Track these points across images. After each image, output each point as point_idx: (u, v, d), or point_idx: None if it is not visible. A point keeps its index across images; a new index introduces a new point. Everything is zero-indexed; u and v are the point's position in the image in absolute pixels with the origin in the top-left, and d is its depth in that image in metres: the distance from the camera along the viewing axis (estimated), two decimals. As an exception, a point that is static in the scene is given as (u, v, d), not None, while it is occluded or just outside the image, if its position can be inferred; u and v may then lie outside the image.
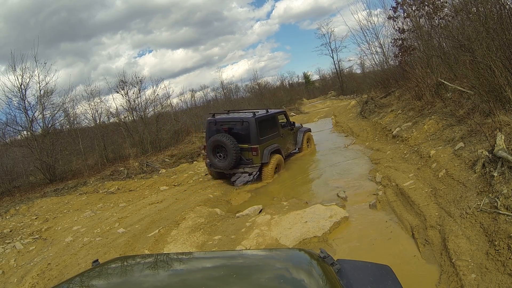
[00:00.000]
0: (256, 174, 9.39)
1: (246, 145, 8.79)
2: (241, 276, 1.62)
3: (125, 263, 2.06)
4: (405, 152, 7.14)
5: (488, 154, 4.29)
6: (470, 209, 4.05)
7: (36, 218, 9.71)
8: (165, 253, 2.48)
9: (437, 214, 4.49)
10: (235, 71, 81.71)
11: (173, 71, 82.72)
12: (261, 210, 6.72)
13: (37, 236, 8.35)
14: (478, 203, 4.02)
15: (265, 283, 1.55)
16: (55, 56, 57.51)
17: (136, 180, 12.57)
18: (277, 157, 9.28)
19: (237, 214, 6.88)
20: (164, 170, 13.70)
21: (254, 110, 9.84)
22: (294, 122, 11.32)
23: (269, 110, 10.08)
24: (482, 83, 5.92)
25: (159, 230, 6.65)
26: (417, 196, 5.06)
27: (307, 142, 11.71)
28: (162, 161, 15.83)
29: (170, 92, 30.50)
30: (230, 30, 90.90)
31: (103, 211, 9.41)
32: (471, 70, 6.00)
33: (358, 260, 2.01)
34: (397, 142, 8.16)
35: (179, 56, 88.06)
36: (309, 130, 12.05)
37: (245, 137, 8.81)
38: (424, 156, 6.12)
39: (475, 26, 7.13)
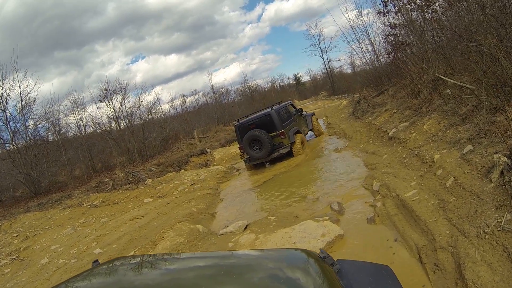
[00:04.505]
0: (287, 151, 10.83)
1: (274, 133, 10.63)
2: (241, 276, 1.61)
3: (125, 263, 2.04)
4: (404, 156, 6.40)
5: (507, 160, 3.58)
6: (488, 227, 3.34)
7: (17, 236, 9.60)
8: (165, 253, 2.44)
9: (448, 232, 3.77)
10: (227, 75, 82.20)
11: (166, 77, 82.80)
12: (246, 226, 6.02)
13: (14, 257, 8.21)
14: (499, 220, 3.31)
15: (265, 283, 1.53)
16: (49, 64, 57.18)
17: (121, 191, 12.36)
18: (300, 136, 11.16)
19: (220, 231, 6.24)
20: (150, 180, 13.42)
21: (268, 106, 11.94)
22: (301, 109, 13.52)
23: (281, 103, 12.49)
24: (487, 76, 5.26)
25: (134, 252, 6.16)
26: (422, 210, 4.32)
27: (317, 122, 14.21)
28: (149, 170, 15.55)
29: (159, 98, 30.05)
30: (222, 34, 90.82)
31: (84, 228, 9.14)
32: (476, 63, 5.32)
33: (358, 260, 1.99)
34: (394, 144, 7.42)
35: (172, 62, 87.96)
36: (314, 114, 14.56)
37: (271, 127, 10.68)
38: (427, 161, 5.37)
39: (475, 14, 6.53)
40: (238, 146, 11.85)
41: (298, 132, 11.29)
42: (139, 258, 2.20)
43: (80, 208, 11.36)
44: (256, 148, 10.68)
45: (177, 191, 10.97)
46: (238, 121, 11.78)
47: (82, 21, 65.17)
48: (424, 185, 4.85)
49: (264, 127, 10.67)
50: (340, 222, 5.25)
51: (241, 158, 12.00)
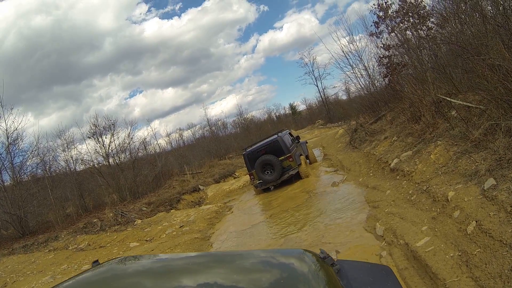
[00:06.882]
0: (295, 172, 11.68)
1: (283, 156, 11.52)
2: (242, 276, 1.59)
3: (125, 263, 2.04)
4: (410, 192, 5.46)
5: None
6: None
7: (-3, 281, 9.10)
8: (165, 254, 2.40)
9: (477, 298, 2.83)
10: (224, 107, 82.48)
11: (164, 110, 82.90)
12: None
13: (-11, 306, 7.78)
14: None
15: (265, 282, 1.51)
16: (48, 99, 57.55)
17: (109, 233, 11.89)
18: (303, 158, 12.45)
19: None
20: (139, 221, 12.86)
21: (272, 134, 13.07)
22: (298, 136, 14.61)
23: (283, 131, 13.41)
24: (500, 92, 4.45)
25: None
26: (440, 265, 3.37)
27: (310, 150, 15.36)
28: (139, 210, 14.84)
29: (155, 133, 29.61)
30: (218, 66, 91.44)
31: (63, 276, 8.62)
32: (486, 78, 4.51)
33: (358, 261, 2.12)
34: (398, 177, 6.48)
35: (169, 95, 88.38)
36: (307, 142, 15.85)
37: (279, 151, 11.59)
38: (439, 199, 4.41)
39: (475, 26, 5.84)
40: (248, 173, 12.66)
41: (301, 155, 12.46)
42: (139, 258, 2.19)
43: (65, 251, 10.84)
44: (268, 172, 11.57)
45: (164, 235, 10.36)
46: (245, 150, 12.65)
47: (80, 55, 65.75)
48: (438, 231, 3.90)
49: (273, 152, 11.58)
50: (338, 278, 4.30)
51: (252, 184, 12.53)
